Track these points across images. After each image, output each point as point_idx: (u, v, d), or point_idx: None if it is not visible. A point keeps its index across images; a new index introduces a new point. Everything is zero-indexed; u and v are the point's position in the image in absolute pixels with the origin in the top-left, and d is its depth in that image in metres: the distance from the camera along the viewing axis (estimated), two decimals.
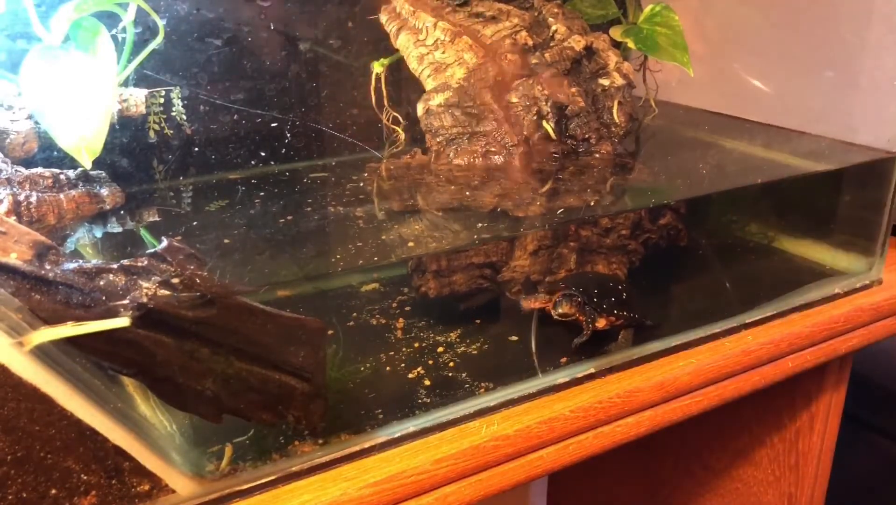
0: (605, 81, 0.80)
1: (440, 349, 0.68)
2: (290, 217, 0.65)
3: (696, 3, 0.95)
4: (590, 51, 0.80)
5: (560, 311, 0.67)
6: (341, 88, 0.82)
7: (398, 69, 0.81)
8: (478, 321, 0.72)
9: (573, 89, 0.77)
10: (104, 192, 0.60)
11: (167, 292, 0.43)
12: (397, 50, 0.78)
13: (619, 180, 0.76)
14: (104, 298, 0.42)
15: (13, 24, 0.59)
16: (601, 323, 0.67)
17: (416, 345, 0.68)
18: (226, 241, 0.59)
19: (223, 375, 0.47)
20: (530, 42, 0.77)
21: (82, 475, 0.43)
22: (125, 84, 0.66)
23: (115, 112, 0.64)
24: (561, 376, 0.62)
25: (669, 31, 0.85)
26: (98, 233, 0.59)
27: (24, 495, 0.42)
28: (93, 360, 0.45)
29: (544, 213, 0.68)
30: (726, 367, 0.67)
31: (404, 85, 0.82)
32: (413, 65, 0.76)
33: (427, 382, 0.63)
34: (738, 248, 0.93)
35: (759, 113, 0.94)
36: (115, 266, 0.43)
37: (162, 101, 0.68)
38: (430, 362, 0.66)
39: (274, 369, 0.49)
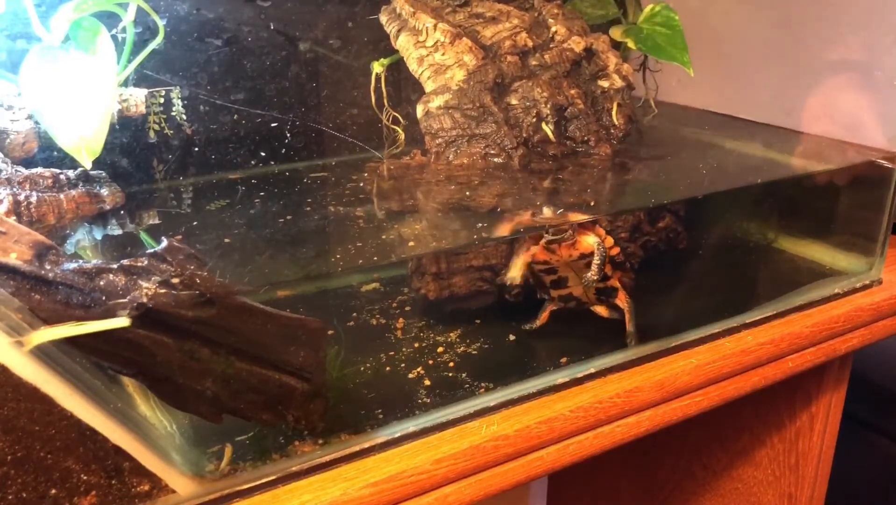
0: (604, 83, 0.80)
1: (440, 349, 0.68)
2: (290, 217, 0.65)
3: (696, 3, 0.95)
4: (589, 52, 0.80)
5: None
6: (341, 88, 0.82)
7: (398, 69, 0.81)
8: (478, 321, 0.72)
9: (573, 91, 0.77)
10: (104, 192, 0.60)
11: (167, 292, 0.43)
12: (397, 51, 0.78)
13: (617, 182, 0.76)
14: (104, 298, 0.42)
15: (13, 24, 0.59)
16: (607, 272, 0.61)
17: (416, 345, 0.68)
18: (226, 241, 0.59)
19: (223, 375, 0.47)
20: (530, 43, 0.77)
21: (82, 475, 0.43)
22: (125, 84, 0.66)
23: (115, 112, 0.64)
24: (561, 376, 0.62)
25: (669, 31, 0.85)
26: (98, 233, 0.59)
27: (24, 495, 0.42)
28: (93, 360, 0.45)
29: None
30: (726, 367, 0.67)
31: (404, 85, 0.82)
32: (413, 66, 0.76)
33: (427, 382, 0.63)
34: (738, 248, 0.93)
35: (759, 113, 0.94)
36: (115, 266, 0.43)
37: (162, 101, 0.68)
38: (430, 362, 0.66)
39: (274, 369, 0.49)
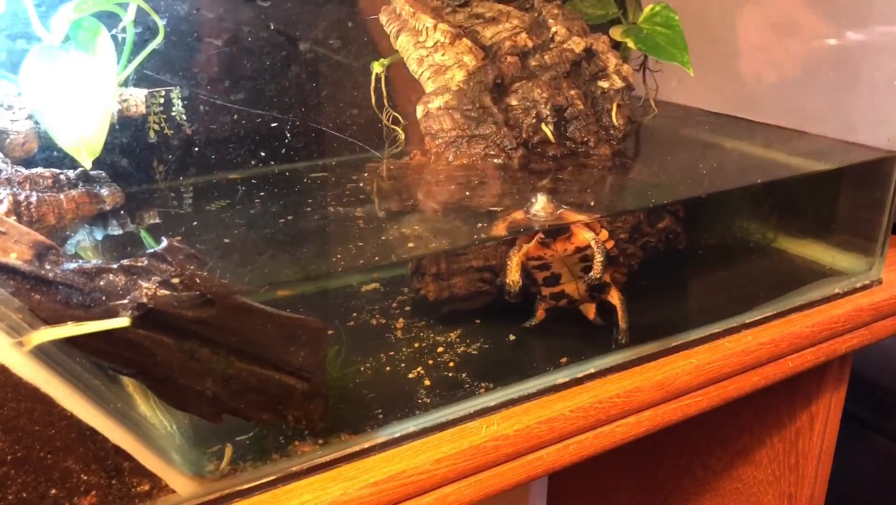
0: (604, 84, 0.80)
1: (440, 349, 0.68)
2: (290, 217, 0.65)
3: (696, 3, 0.95)
4: (589, 53, 0.80)
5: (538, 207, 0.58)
6: (341, 88, 0.82)
7: (398, 69, 0.81)
8: (477, 321, 0.72)
9: (572, 92, 0.77)
10: (104, 192, 0.60)
11: (167, 292, 0.43)
12: (397, 51, 0.78)
13: (617, 183, 0.76)
14: (104, 297, 0.42)
15: (13, 24, 0.59)
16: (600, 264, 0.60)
17: (416, 345, 0.68)
18: (226, 241, 0.59)
19: (223, 375, 0.47)
20: (530, 44, 0.77)
21: (82, 475, 0.43)
22: (125, 84, 0.66)
23: (115, 112, 0.64)
24: (561, 376, 0.62)
25: (669, 31, 0.85)
26: (98, 233, 0.59)
27: (24, 495, 0.42)
28: (93, 360, 0.45)
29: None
30: (726, 367, 0.67)
31: (404, 85, 0.82)
32: (413, 67, 0.76)
33: (427, 382, 0.63)
34: (738, 248, 0.93)
35: (759, 113, 0.94)
36: (115, 266, 0.43)
37: (162, 101, 0.68)
38: (430, 362, 0.66)
39: (274, 369, 0.49)
